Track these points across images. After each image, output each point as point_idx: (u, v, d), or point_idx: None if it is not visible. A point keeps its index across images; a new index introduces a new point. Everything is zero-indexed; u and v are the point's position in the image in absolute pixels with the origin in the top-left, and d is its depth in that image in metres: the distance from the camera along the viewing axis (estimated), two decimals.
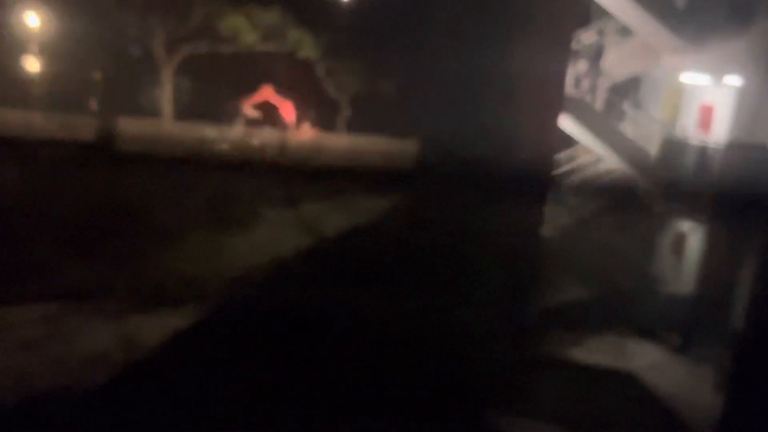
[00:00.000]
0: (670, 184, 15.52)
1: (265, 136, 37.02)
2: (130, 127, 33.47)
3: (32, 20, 38.76)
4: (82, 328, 12.61)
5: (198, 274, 16.68)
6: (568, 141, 18.45)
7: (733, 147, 13.69)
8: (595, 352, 12.78)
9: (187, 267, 16.97)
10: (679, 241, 16.48)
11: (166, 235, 19.25)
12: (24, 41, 39.65)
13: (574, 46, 15.42)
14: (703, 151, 14.49)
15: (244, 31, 36.41)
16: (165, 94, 38.71)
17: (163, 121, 36.06)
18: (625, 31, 17.47)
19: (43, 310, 13.65)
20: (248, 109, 39.70)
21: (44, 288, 15.23)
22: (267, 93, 39.57)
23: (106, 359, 10.98)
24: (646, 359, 12.70)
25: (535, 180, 14.38)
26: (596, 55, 15.54)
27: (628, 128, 16.66)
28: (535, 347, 12.69)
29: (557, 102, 15.16)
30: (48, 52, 39.49)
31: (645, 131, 16.73)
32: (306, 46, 38.60)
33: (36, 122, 32.96)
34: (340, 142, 38.06)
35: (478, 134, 15.22)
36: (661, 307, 14.42)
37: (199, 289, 15.64)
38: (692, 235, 15.82)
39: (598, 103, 16.24)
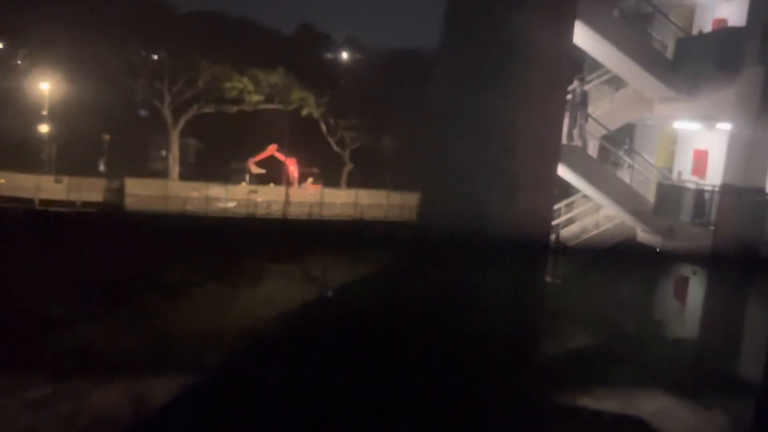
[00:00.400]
0: (669, 229, 15.63)
1: (270, 192, 37.57)
2: (137, 187, 34.10)
3: (43, 86, 40.08)
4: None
5: (201, 330, 16.71)
6: (566, 189, 18.71)
7: (729, 190, 13.85)
8: (604, 399, 12.67)
9: (191, 323, 17.04)
10: (681, 286, 16.48)
11: (169, 290, 19.40)
12: (35, 106, 40.89)
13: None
14: (699, 195, 14.66)
15: (249, 92, 37.56)
16: (172, 155, 39.57)
17: (170, 180, 36.76)
18: (616, 81, 17.94)
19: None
20: (253, 166, 40.43)
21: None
22: (272, 151, 40.41)
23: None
24: (652, 405, 12.56)
25: (535, 233, 14.58)
26: (582, 102, 15.97)
27: (625, 175, 16.92)
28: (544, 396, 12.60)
29: (555, 151, 15.52)
30: (57, 116, 40.64)
31: (641, 177, 16.97)
32: (309, 105, 39.70)
33: (45, 185, 33.68)
34: (342, 197, 38.56)
35: (477, 187, 15.50)
36: (666, 353, 14.30)
37: (206, 344, 15.65)
38: (693, 280, 15.84)
39: (592, 150, 16.53)
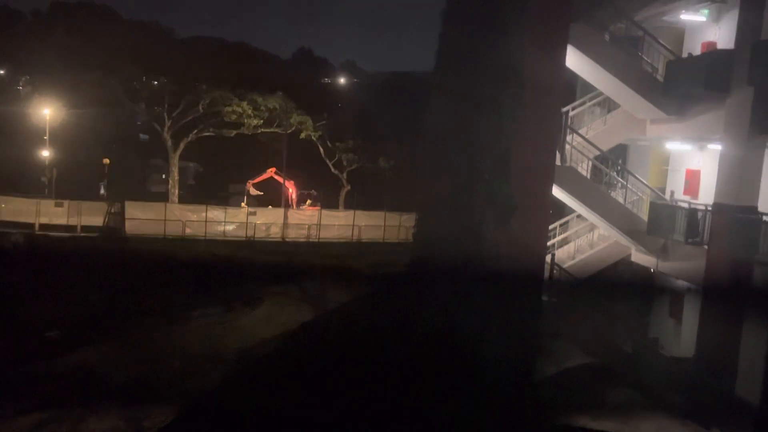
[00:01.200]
0: (663, 248, 15.78)
1: (269, 215, 37.73)
2: (137, 211, 34.23)
3: (44, 111, 40.42)
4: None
5: (201, 353, 16.75)
6: (561, 209, 18.89)
7: (722, 209, 14.01)
8: (602, 419, 12.71)
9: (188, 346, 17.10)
10: (675, 304, 16.57)
11: (166, 314, 19.46)
12: (36, 131, 41.20)
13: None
14: (692, 214, 14.81)
15: (249, 116, 37.91)
16: (171, 178, 39.79)
17: (170, 204, 36.90)
18: (609, 102, 18.21)
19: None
20: (251, 187, 40.64)
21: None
22: (271, 173, 40.65)
23: None
24: (651, 426, 12.59)
25: (530, 254, 14.70)
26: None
27: (618, 195, 17.09)
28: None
29: (549, 173, 15.74)
30: (58, 141, 40.94)
31: (634, 197, 17.15)
32: (307, 128, 40.07)
33: (46, 209, 33.79)
34: (341, 218, 38.71)
35: (472, 208, 15.65)
36: (662, 372, 14.34)
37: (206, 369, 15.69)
38: (687, 298, 15.93)
39: (585, 171, 16.73)
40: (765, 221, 12.90)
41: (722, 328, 13.48)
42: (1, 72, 51.45)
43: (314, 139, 41.55)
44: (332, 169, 43.58)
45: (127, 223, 33.86)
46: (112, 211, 34.77)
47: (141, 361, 15.87)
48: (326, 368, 13.28)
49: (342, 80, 63.33)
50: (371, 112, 43.94)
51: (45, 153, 41.08)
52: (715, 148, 15.82)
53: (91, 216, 34.41)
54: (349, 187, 44.15)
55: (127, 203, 34.44)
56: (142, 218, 34.21)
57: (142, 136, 51.31)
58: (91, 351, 16.39)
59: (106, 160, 42.08)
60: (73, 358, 15.99)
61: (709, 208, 14.55)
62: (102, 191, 41.77)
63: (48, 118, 40.44)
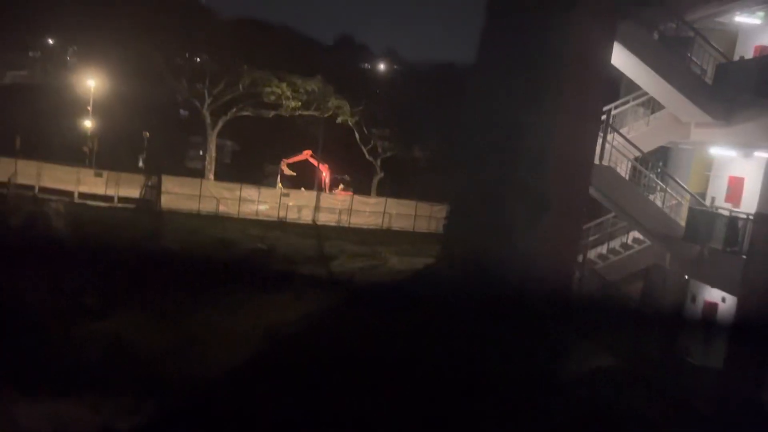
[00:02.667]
0: (700, 255, 15.44)
1: (301, 197, 38.04)
2: (173, 185, 34.86)
3: (89, 82, 41.31)
4: None
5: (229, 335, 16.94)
6: (597, 209, 18.60)
7: (764, 219, 13.64)
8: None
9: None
10: (709, 312, 16.22)
11: (199, 290, 19.71)
12: (80, 101, 42.16)
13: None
14: (733, 223, 14.46)
15: (287, 98, 38.15)
16: (209, 155, 40.36)
17: (205, 180, 37.46)
18: (653, 103, 17.82)
19: None
20: (285, 167, 40.97)
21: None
22: (306, 155, 40.90)
23: None
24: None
25: (563, 252, 14.54)
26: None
27: (657, 198, 16.76)
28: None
29: (587, 171, 15.49)
30: (101, 112, 41.83)
31: (673, 201, 16.79)
32: (344, 113, 40.14)
33: (86, 178, 34.65)
34: (372, 205, 38.80)
35: (506, 203, 15.51)
36: (690, 380, 14.10)
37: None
38: (722, 308, 15.59)
39: (624, 172, 16.43)
40: None
41: (756, 339, 13.18)
42: (51, 42, 52.72)
43: (351, 124, 41.62)
44: (367, 156, 43.63)
45: (163, 197, 34.49)
46: (149, 184, 35.45)
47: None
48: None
49: (382, 68, 63.19)
50: (409, 102, 43.76)
51: (87, 123, 42.00)
52: (762, 156, 15.40)
53: (129, 187, 35.15)
54: (382, 175, 44.16)
55: (164, 177, 35.08)
56: (177, 193, 34.81)
57: (182, 112, 52.08)
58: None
59: (146, 134, 42.85)
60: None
61: (751, 217, 14.19)
62: (140, 164, 42.58)
63: (92, 89, 41.32)
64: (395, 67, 63.70)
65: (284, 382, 12.87)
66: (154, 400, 12.13)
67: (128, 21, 37.78)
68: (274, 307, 17.91)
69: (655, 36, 16.72)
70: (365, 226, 37.63)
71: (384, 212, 38.35)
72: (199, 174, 39.63)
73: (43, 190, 32.77)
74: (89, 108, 41.40)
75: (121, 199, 34.25)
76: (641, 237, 17.89)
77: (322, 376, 12.77)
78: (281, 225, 34.84)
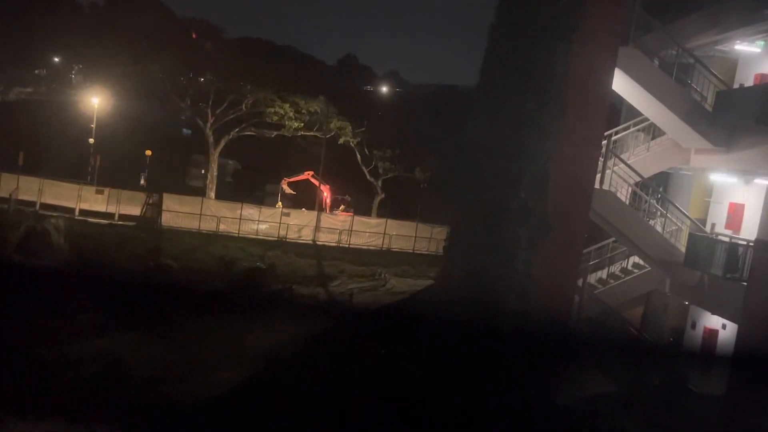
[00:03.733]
0: (700, 282, 15.38)
1: (302, 216, 38.04)
2: (174, 203, 34.88)
3: (92, 100, 41.57)
4: None
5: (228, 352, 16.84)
6: (597, 233, 18.57)
7: (764, 245, 13.62)
8: None
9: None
10: (709, 339, 16.12)
11: (196, 309, 19.61)
12: (84, 118, 42.39)
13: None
14: (733, 249, 14.43)
15: (290, 118, 38.39)
16: (210, 174, 40.48)
17: (206, 199, 37.51)
18: (654, 128, 17.87)
19: None
20: (286, 185, 41.05)
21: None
22: (308, 175, 41.03)
23: None
24: None
25: (563, 275, 14.47)
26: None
27: (657, 224, 16.73)
28: None
29: (588, 195, 15.50)
30: (104, 129, 42.04)
31: (673, 227, 16.77)
32: (346, 134, 40.37)
33: (87, 195, 34.68)
34: (372, 225, 38.79)
35: (507, 225, 15.48)
36: (690, 407, 13.97)
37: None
38: (722, 335, 15.49)
39: (624, 197, 16.42)
40: None
41: (756, 366, 13.07)
42: (57, 60, 53.23)
43: (352, 145, 41.82)
44: (368, 177, 43.76)
45: (164, 215, 34.48)
46: (150, 201, 35.47)
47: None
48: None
49: (384, 89, 63.71)
50: (411, 123, 44.04)
51: (90, 140, 42.20)
52: (762, 182, 15.41)
53: (130, 205, 35.15)
54: (383, 196, 44.25)
55: (165, 195, 35.09)
56: (178, 211, 34.80)
57: (184, 130, 52.38)
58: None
59: (149, 152, 42.98)
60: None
61: (751, 244, 14.15)
62: (142, 182, 42.66)
63: (96, 107, 41.57)
64: (398, 88, 64.23)
65: (278, 405, 12.75)
66: (150, 421, 12.00)
67: (132, 40, 38.20)
68: (271, 328, 17.79)
69: (656, 62, 16.84)
70: (365, 247, 37.58)
71: (384, 233, 38.33)
72: (201, 192, 39.69)
73: (44, 206, 32.75)
74: (92, 125, 41.62)
75: (122, 217, 34.21)
76: (641, 262, 17.83)
77: (316, 399, 12.65)
78: (281, 244, 34.78)
